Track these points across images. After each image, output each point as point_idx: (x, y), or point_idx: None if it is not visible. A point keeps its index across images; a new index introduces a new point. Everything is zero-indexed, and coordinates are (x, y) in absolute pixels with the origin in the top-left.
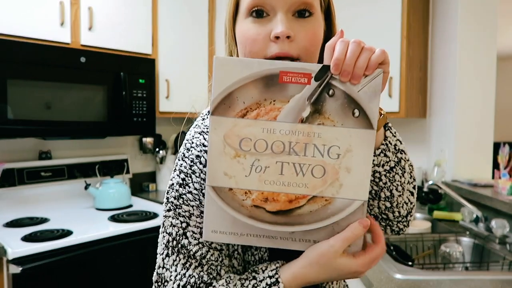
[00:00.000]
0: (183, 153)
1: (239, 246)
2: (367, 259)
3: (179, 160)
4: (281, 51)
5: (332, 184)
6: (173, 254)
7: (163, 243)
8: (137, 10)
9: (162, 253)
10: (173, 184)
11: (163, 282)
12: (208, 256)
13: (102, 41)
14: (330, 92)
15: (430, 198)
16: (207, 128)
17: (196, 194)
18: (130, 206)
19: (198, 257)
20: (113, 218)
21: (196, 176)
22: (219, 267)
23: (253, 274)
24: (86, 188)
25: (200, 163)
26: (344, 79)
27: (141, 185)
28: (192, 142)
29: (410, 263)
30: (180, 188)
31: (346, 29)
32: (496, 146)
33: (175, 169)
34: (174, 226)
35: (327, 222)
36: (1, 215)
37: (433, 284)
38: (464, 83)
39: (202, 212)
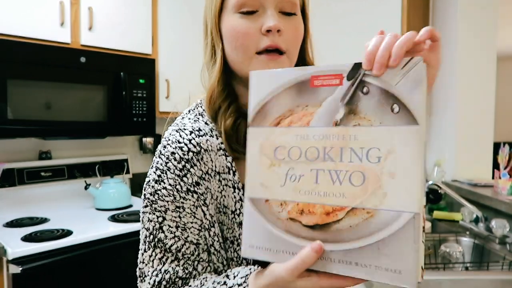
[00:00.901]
0: (160, 150)
1: (215, 242)
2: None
3: (156, 157)
4: (272, 43)
5: (374, 193)
6: (150, 249)
7: (142, 239)
8: (137, 10)
9: (141, 249)
10: (149, 181)
11: (143, 277)
12: (183, 250)
13: (102, 41)
14: (364, 90)
15: (430, 198)
16: (184, 126)
17: (170, 190)
18: (130, 206)
19: (174, 251)
20: (113, 218)
21: (171, 173)
22: (196, 262)
23: (225, 279)
24: (86, 188)
25: (175, 159)
26: (376, 72)
27: (141, 185)
28: (169, 140)
29: None
30: (156, 184)
31: (346, 29)
32: (496, 146)
33: (152, 166)
34: (151, 221)
35: (370, 240)
36: (1, 215)
37: (433, 284)
38: (464, 83)
39: (177, 207)
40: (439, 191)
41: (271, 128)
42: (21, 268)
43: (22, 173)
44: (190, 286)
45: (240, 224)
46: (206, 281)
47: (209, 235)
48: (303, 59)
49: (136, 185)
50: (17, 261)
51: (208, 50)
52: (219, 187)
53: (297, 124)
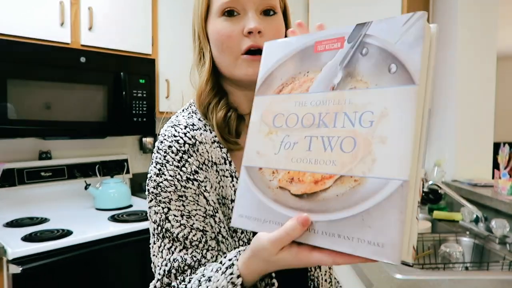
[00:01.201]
0: (158, 146)
1: (221, 228)
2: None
3: (154, 153)
4: (254, 43)
5: (363, 159)
6: (158, 241)
7: (151, 232)
8: (137, 10)
9: (151, 242)
10: (151, 176)
11: (155, 268)
12: (190, 237)
13: (102, 41)
14: (364, 51)
15: (430, 198)
16: (178, 122)
17: (171, 180)
18: (130, 206)
19: (181, 239)
20: (113, 218)
21: (170, 164)
22: (204, 250)
23: (222, 258)
24: (86, 188)
25: (172, 152)
26: None
27: (141, 185)
28: (165, 135)
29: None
30: (157, 178)
31: None
32: (496, 146)
33: (151, 162)
34: (157, 213)
35: (355, 211)
36: (1, 215)
37: (433, 284)
38: (464, 83)
39: (179, 196)
40: (439, 191)
41: (273, 96)
42: (21, 268)
43: (22, 173)
44: (190, 281)
45: None
46: (211, 264)
47: (215, 222)
48: None
49: (136, 185)
50: (17, 261)
51: (196, 52)
52: (217, 177)
53: (297, 91)
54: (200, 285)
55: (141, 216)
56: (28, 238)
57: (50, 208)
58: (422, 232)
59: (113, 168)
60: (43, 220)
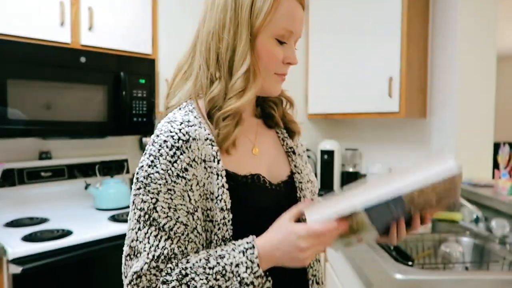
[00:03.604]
0: (153, 139)
1: (198, 225)
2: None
3: (149, 145)
4: (285, 73)
5: None
6: (145, 227)
7: (135, 219)
8: (137, 10)
9: (135, 228)
10: (142, 166)
11: (135, 254)
12: (175, 229)
13: (102, 41)
14: None
15: None
16: (175, 118)
17: (162, 174)
18: None
19: (167, 229)
20: (113, 218)
21: (163, 158)
22: (186, 242)
23: (232, 243)
24: (86, 188)
25: (167, 147)
26: None
27: None
28: (161, 130)
29: (410, 263)
30: (149, 169)
31: (346, 29)
32: (496, 146)
33: (145, 153)
34: (145, 202)
35: None
36: (1, 215)
37: (433, 284)
38: (464, 83)
39: (168, 189)
40: None
41: None
42: (21, 268)
43: (22, 173)
44: (189, 261)
45: (221, 209)
46: (209, 253)
47: (193, 219)
48: None
49: None
50: (17, 261)
51: (228, 52)
52: (205, 174)
53: None
54: (209, 262)
55: None
56: (28, 238)
57: (50, 208)
58: (422, 232)
59: (113, 168)
60: (43, 220)
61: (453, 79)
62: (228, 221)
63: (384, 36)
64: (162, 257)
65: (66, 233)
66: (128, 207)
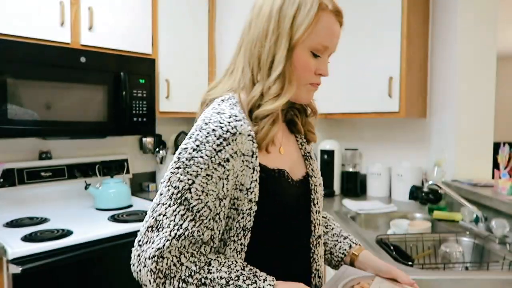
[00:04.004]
0: (201, 125)
1: (221, 212)
2: None
3: (196, 130)
4: (319, 82)
5: None
6: (175, 205)
7: (167, 195)
8: (137, 10)
9: (165, 203)
10: (187, 148)
11: (158, 227)
12: (201, 212)
13: (102, 41)
14: None
15: (430, 198)
16: (223, 110)
17: (206, 159)
18: (130, 206)
19: (194, 211)
20: (113, 218)
21: (209, 145)
22: (205, 228)
23: (254, 274)
24: (86, 188)
25: (215, 135)
26: None
27: (141, 185)
28: (210, 119)
29: (410, 263)
30: (193, 152)
31: (346, 29)
32: (496, 146)
33: (190, 136)
34: (181, 181)
35: None
36: (1, 215)
37: (433, 284)
38: (464, 83)
39: (207, 174)
40: (439, 191)
41: None
42: (21, 268)
43: (22, 173)
44: (210, 272)
45: (250, 200)
46: (230, 274)
47: (219, 205)
48: None
49: (136, 185)
50: (17, 261)
51: (266, 57)
52: (241, 166)
53: None
54: (228, 285)
55: (141, 216)
56: (28, 238)
57: (50, 208)
58: (422, 232)
59: (113, 168)
60: (43, 220)
61: (453, 79)
62: (253, 212)
63: (384, 36)
64: (183, 237)
65: (66, 233)
66: (128, 207)
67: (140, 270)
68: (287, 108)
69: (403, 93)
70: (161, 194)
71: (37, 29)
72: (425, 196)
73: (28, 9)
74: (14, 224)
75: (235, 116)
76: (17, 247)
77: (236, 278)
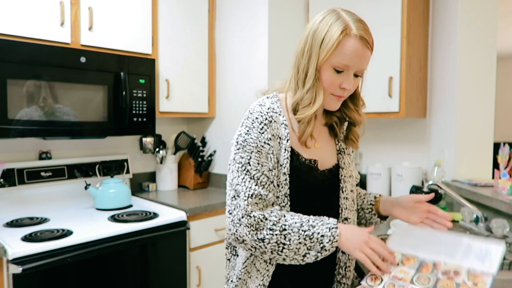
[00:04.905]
0: (247, 115)
1: (274, 180)
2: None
3: (244, 120)
4: (342, 95)
5: None
6: (242, 175)
7: (235, 169)
8: (137, 10)
9: (236, 176)
10: (241, 133)
11: (238, 194)
12: (261, 179)
13: (102, 41)
14: None
15: None
16: (264, 103)
17: (255, 139)
18: (130, 206)
19: (255, 178)
20: (113, 218)
21: (255, 129)
22: (267, 191)
23: (321, 219)
24: (86, 188)
25: (258, 122)
26: None
27: (141, 185)
28: (254, 109)
29: None
30: (245, 135)
31: None
32: (496, 146)
33: (241, 125)
34: (242, 157)
35: None
36: (1, 215)
37: None
38: (464, 83)
39: (258, 151)
40: (439, 191)
41: None
42: (21, 268)
43: (22, 173)
44: (287, 220)
45: (284, 173)
46: (302, 219)
47: (272, 175)
48: (354, 92)
49: (136, 185)
50: (17, 261)
51: (302, 73)
52: (278, 147)
53: None
54: (302, 226)
55: (141, 216)
56: (28, 238)
57: (50, 208)
58: None
59: (113, 168)
60: (43, 220)
61: (453, 79)
62: (287, 183)
63: (384, 36)
64: (254, 195)
65: (66, 233)
66: (128, 207)
67: (236, 230)
68: (325, 114)
69: (403, 93)
70: (232, 172)
71: (37, 29)
72: None
73: (28, 9)
74: (14, 224)
75: (273, 109)
76: (17, 247)
77: (307, 220)
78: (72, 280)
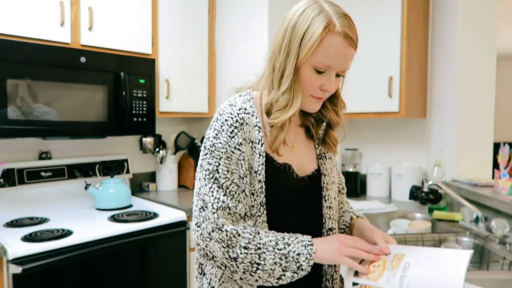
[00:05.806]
0: (217, 117)
1: (246, 189)
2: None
3: (213, 122)
4: (322, 97)
5: None
6: (209, 183)
7: (202, 177)
8: (137, 10)
9: (203, 185)
10: (209, 137)
11: (206, 205)
12: (230, 188)
13: (102, 41)
14: None
15: (430, 198)
16: (235, 103)
17: (224, 144)
18: (130, 206)
19: (224, 187)
20: (113, 218)
21: (225, 133)
22: (237, 202)
23: (296, 237)
24: (86, 188)
25: (227, 124)
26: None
27: (141, 185)
28: (223, 110)
29: None
30: (214, 140)
31: None
32: (496, 146)
33: (210, 127)
34: (210, 164)
35: None
36: (1, 215)
37: None
38: (464, 83)
39: (228, 157)
40: (439, 191)
41: None
42: (21, 268)
43: (22, 173)
44: (261, 239)
45: (259, 181)
46: (277, 237)
47: (243, 183)
48: (334, 93)
49: (136, 185)
50: (17, 261)
51: (278, 72)
52: (250, 152)
53: None
54: (277, 245)
55: (141, 216)
56: (28, 238)
57: (50, 208)
58: (422, 232)
59: (113, 168)
60: (43, 220)
61: (453, 79)
62: (263, 191)
63: (384, 36)
64: (222, 208)
65: (66, 233)
66: (128, 207)
67: (206, 246)
68: (301, 115)
69: (403, 93)
70: (199, 179)
71: (37, 29)
72: (425, 196)
73: (28, 9)
74: (14, 224)
75: (245, 109)
76: (17, 247)
77: (282, 238)
78: (72, 280)
